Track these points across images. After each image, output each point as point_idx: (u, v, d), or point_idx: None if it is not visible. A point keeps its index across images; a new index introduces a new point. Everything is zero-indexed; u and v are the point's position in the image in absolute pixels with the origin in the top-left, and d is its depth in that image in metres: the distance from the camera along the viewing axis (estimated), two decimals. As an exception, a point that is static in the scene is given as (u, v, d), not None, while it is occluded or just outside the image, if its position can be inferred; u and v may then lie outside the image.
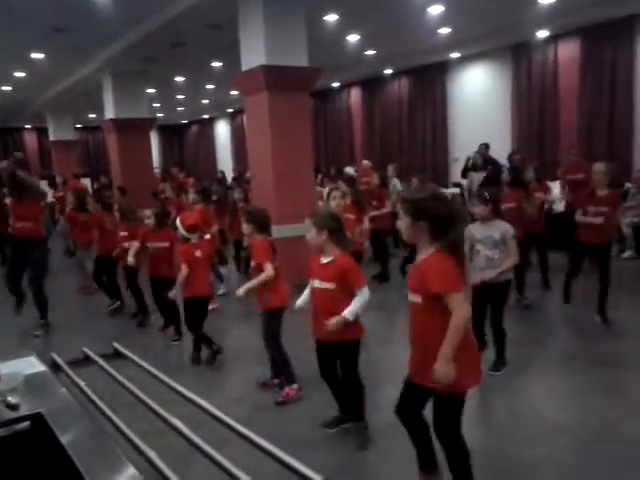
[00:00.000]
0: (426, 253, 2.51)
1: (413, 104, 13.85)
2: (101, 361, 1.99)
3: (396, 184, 9.67)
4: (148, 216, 5.85)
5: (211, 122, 22.48)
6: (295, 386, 4.13)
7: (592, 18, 9.76)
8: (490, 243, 4.24)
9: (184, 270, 4.89)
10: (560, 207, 8.45)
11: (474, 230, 4.37)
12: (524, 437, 3.49)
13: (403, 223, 2.54)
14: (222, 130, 22.07)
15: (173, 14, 7.98)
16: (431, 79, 13.33)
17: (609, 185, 5.32)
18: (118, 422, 1.46)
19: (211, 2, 7.48)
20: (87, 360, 2.02)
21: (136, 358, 1.99)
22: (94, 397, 1.60)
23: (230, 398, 4.26)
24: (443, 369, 2.39)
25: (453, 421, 2.56)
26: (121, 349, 2.08)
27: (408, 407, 2.72)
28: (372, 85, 14.85)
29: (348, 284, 3.28)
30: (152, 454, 1.30)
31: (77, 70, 11.94)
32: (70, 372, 1.81)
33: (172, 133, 24.16)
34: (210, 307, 5.45)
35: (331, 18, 8.82)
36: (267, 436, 1.33)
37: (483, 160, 10.31)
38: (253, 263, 4.22)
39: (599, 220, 5.24)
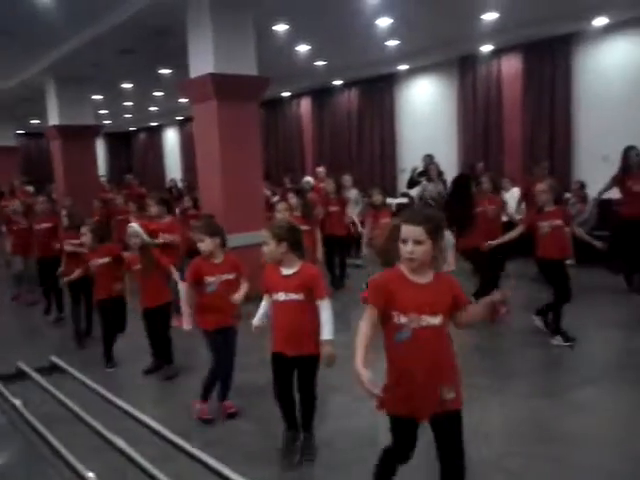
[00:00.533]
0: (430, 270, 2.43)
1: (362, 115, 14.01)
2: (37, 376, 1.90)
3: (356, 194, 9.72)
4: (83, 233, 5.33)
5: (160, 130, 22.14)
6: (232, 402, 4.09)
7: (532, 35, 10.12)
8: None
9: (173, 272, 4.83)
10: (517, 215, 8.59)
11: None
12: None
13: (423, 249, 2.35)
14: (171, 138, 21.76)
15: (120, 19, 7.84)
16: (380, 91, 13.52)
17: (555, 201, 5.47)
18: (54, 441, 1.40)
19: (159, 8, 7.38)
20: (22, 375, 1.92)
21: (75, 372, 1.90)
22: (27, 415, 1.52)
23: (175, 412, 4.17)
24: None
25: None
26: (60, 363, 1.99)
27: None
28: (322, 95, 14.95)
29: (313, 294, 3.24)
30: (91, 475, 1.24)
31: (18, 73, 11.56)
32: (1, 388, 1.72)
33: (120, 141, 23.67)
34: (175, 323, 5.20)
35: (280, 28, 8.84)
36: (212, 450, 1.30)
37: (427, 170, 10.44)
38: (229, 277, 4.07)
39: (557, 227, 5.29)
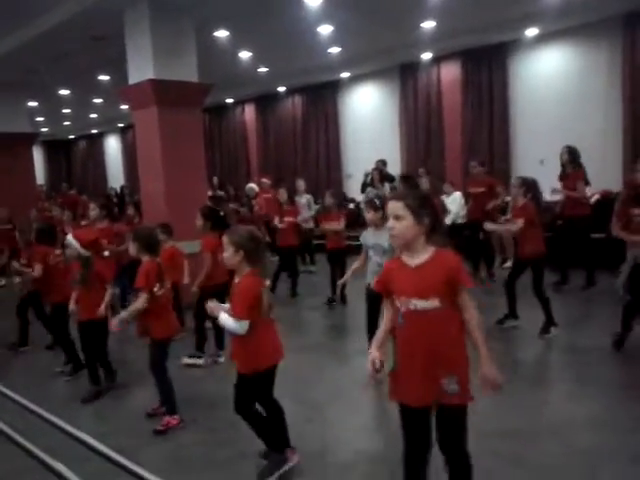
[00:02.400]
0: (425, 252, 2.35)
1: (307, 121, 14.07)
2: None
3: (310, 199, 9.77)
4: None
5: (101, 137, 21.57)
6: (177, 417, 3.98)
7: (470, 43, 10.44)
8: (379, 250, 4.39)
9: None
10: (461, 219, 8.77)
11: (367, 236, 4.57)
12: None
13: (403, 224, 2.32)
14: (113, 145, 21.24)
15: (54, 23, 7.60)
16: (323, 97, 13.62)
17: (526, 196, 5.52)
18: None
19: (95, 13, 7.19)
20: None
21: (4, 389, 1.84)
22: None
23: (119, 428, 4.05)
24: (492, 371, 2.31)
25: None
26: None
27: (422, 444, 2.43)
28: (266, 102, 14.93)
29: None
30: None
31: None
32: None
33: (59, 149, 22.92)
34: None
35: (221, 34, 8.78)
36: (156, 467, 1.28)
37: (381, 175, 10.58)
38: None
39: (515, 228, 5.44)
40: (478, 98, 11.02)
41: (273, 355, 3.20)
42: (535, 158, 9.98)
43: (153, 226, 4.96)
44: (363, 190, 11.17)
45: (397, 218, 2.33)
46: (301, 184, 9.81)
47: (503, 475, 3.12)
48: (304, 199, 9.66)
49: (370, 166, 10.98)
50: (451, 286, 2.30)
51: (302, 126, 14.17)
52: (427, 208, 2.36)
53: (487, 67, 10.82)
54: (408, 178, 7.34)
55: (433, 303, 2.28)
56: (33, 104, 13.52)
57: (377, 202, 4.47)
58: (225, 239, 3.19)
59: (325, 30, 9.05)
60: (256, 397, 3.20)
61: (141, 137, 7.76)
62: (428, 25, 9.12)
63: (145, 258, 4.02)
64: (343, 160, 13.52)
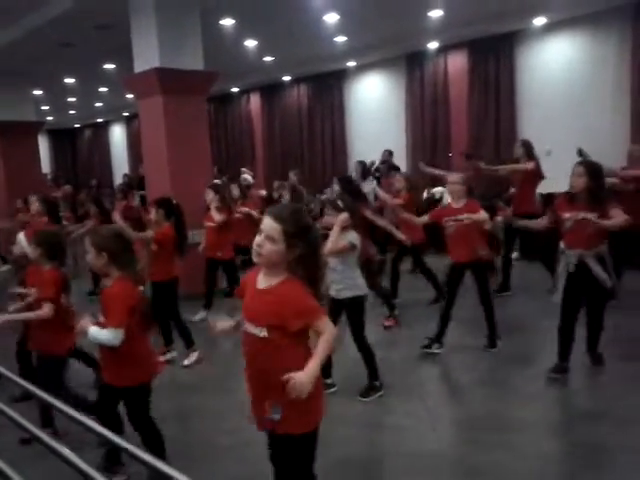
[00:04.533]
0: (277, 277, 2.19)
1: (312, 111, 14.00)
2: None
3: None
4: None
5: (106, 126, 21.55)
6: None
7: (477, 33, 10.34)
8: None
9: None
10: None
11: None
12: (422, 433, 3.60)
13: (273, 248, 2.13)
14: (118, 134, 21.22)
15: (58, 11, 7.56)
16: (329, 87, 13.54)
17: (468, 195, 4.96)
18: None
19: (99, 1, 7.17)
20: None
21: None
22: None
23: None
24: (302, 380, 2.05)
25: None
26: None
27: None
28: (272, 91, 14.85)
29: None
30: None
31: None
32: None
33: (64, 137, 22.89)
34: None
35: (227, 22, 8.73)
36: None
37: (388, 166, 10.54)
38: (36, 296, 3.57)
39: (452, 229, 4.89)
40: (485, 88, 10.93)
41: (149, 369, 3.03)
42: (542, 149, 9.86)
43: (57, 231, 4.47)
44: (364, 177, 11.11)
45: (269, 239, 2.12)
46: (291, 175, 9.73)
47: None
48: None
49: (376, 156, 10.95)
50: (292, 319, 2.11)
51: (308, 115, 14.10)
52: (304, 240, 2.14)
53: (494, 57, 10.71)
54: (346, 181, 6.58)
55: (262, 331, 2.14)
56: (38, 93, 13.50)
57: (340, 203, 4.17)
58: (87, 240, 3.02)
59: (331, 19, 8.98)
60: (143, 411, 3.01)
61: (146, 126, 7.74)
62: (435, 14, 9.03)
63: (47, 266, 3.57)
64: (349, 150, 13.46)
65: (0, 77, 10.91)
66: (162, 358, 4.93)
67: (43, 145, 18.75)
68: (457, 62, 11.31)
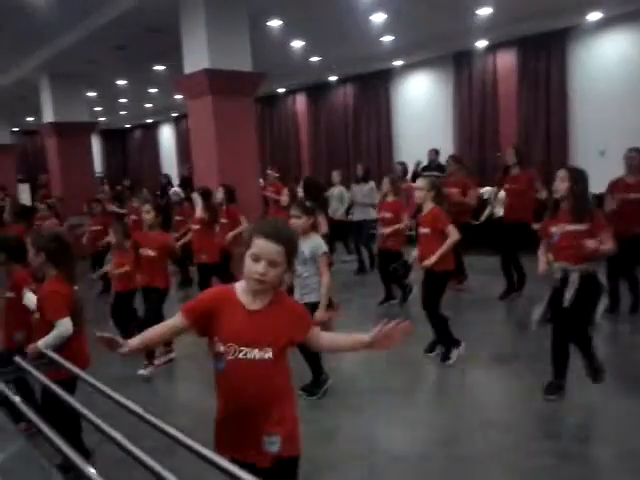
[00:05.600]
0: (266, 295, 2.02)
1: (358, 111, 13.99)
2: (33, 370, 1.89)
3: (343, 192, 9.68)
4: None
5: (155, 126, 22.04)
6: None
7: (527, 30, 10.13)
8: (300, 258, 3.83)
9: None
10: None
11: None
12: (463, 435, 3.56)
13: (277, 272, 1.99)
14: (167, 135, 21.67)
15: (112, 15, 7.80)
16: (375, 86, 13.51)
17: (435, 201, 4.75)
18: (53, 436, 1.40)
19: (150, 5, 7.36)
20: (19, 370, 1.91)
21: (70, 365, 1.90)
22: (25, 410, 1.52)
23: (175, 407, 4.17)
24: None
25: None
26: (52, 355, 1.99)
27: None
28: (317, 91, 14.92)
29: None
30: (91, 471, 1.25)
31: (12, 71, 11.51)
32: (1, 385, 1.72)
33: (115, 138, 23.53)
34: None
35: (275, 23, 8.81)
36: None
37: (435, 165, 10.43)
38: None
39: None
40: (535, 87, 10.71)
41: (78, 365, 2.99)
42: (595, 149, 9.64)
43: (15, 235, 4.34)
44: (414, 180, 11.05)
45: (272, 264, 1.94)
46: (335, 175, 9.76)
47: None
48: (336, 191, 9.61)
49: (422, 156, 10.85)
50: (300, 333, 2.05)
51: (353, 115, 14.10)
52: (295, 255, 2.07)
53: (545, 55, 10.49)
54: (310, 184, 6.26)
55: (267, 354, 1.96)
56: (92, 94, 13.92)
57: (308, 205, 4.06)
58: (29, 240, 3.10)
59: (378, 18, 8.96)
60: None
61: (195, 127, 7.89)
62: (484, 12, 8.90)
63: (17, 267, 3.57)
64: (395, 149, 13.40)
65: (58, 80, 11.34)
66: (163, 359, 5.08)
67: (96, 145, 19.33)
68: (506, 60, 11.11)
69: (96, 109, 16.85)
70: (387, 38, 10.32)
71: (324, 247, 3.99)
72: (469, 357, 4.78)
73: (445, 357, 4.76)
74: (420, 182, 4.92)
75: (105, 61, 10.46)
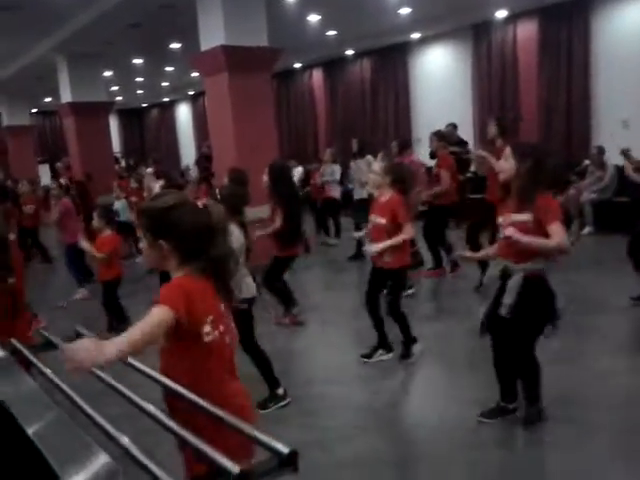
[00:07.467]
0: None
1: (375, 85, 13.83)
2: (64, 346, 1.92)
3: (334, 169, 9.52)
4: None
5: (172, 105, 22.04)
6: None
7: (549, -1, 9.89)
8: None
9: None
10: None
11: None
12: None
13: (145, 247, 1.85)
14: (184, 113, 21.67)
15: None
16: (393, 60, 13.32)
17: (395, 188, 4.24)
18: (87, 408, 1.43)
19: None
20: (49, 345, 1.95)
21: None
22: (60, 383, 1.55)
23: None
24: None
25: None
26: (84, 332, 2.02)
27: None
28: (334, 66, 14.76)
29: None
30: (125, 440, 1.27)
31: (29, 52, 11.54)
32: (33, 358, 1.75)
33: (132, 117, 23.61)
34: None
35: (291, -3, 8.71)
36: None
37: (456, 140, 10.28)
38: None
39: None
40: (557, 57, 10.45)
41: None
42: (618, 119, 9.43)
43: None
44: (432, 157, 10.93)
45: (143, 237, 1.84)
46: (327, 153, 9.75)
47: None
48: (329, 169, 9.50)
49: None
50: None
51: (370, 90, 13.94)
52: (167, 230, 1.77)
53: (567, 24, 10.20)
54: (276, 168, 5.73)
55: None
56: (108, 73, 13.93)
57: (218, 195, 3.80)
58: None
59: (395, -10, 8.80)
60: None
61: (212, 103, 7.88)
62: (504, -20, 8.71)
63: None
64: (412, 124, 13.24)
65: (75, 60, 11.35)
66: None
67: (113, 124, 19.40)
68: (527, 31, 10.85)
69: (113, 88, 16.87)
70: (404, 10, 10.13)
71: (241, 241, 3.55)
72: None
73: (405, 355, 4.44)
74: (376, 165, 4.48)
75: (120, 40, 10.42)
